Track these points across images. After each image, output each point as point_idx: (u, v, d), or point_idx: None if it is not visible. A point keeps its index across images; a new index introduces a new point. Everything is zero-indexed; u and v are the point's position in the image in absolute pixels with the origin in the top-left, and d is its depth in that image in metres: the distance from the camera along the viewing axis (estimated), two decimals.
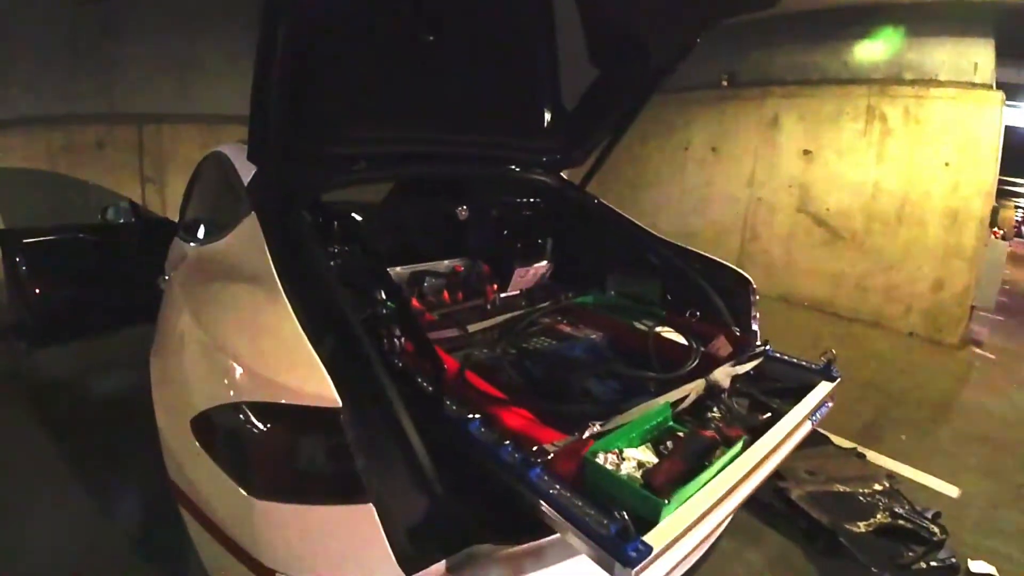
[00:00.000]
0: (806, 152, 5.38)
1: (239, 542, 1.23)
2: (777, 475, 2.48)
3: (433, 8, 2.01)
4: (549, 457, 1.20)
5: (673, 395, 1.51)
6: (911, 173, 4.98)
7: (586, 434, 1.27)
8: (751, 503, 2.09)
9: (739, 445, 1.33)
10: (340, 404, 1.12)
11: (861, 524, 2.36)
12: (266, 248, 1.58)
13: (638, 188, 7.02)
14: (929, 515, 2.42)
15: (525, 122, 2.57)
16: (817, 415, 1.64)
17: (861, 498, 2.51)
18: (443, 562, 1.17)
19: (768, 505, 2.48)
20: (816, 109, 5.32)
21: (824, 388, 1.70)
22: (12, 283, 3.03)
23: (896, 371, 4.23)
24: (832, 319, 5.22)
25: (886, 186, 5.06)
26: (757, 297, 2.21)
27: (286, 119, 1.75)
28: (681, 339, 1.99)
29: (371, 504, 1.12)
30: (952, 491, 2.76)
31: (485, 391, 1.54)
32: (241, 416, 1.19)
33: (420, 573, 1.15)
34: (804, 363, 1.84)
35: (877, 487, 2.57)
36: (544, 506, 1.11)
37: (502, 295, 2.62)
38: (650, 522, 1.06)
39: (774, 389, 1.79)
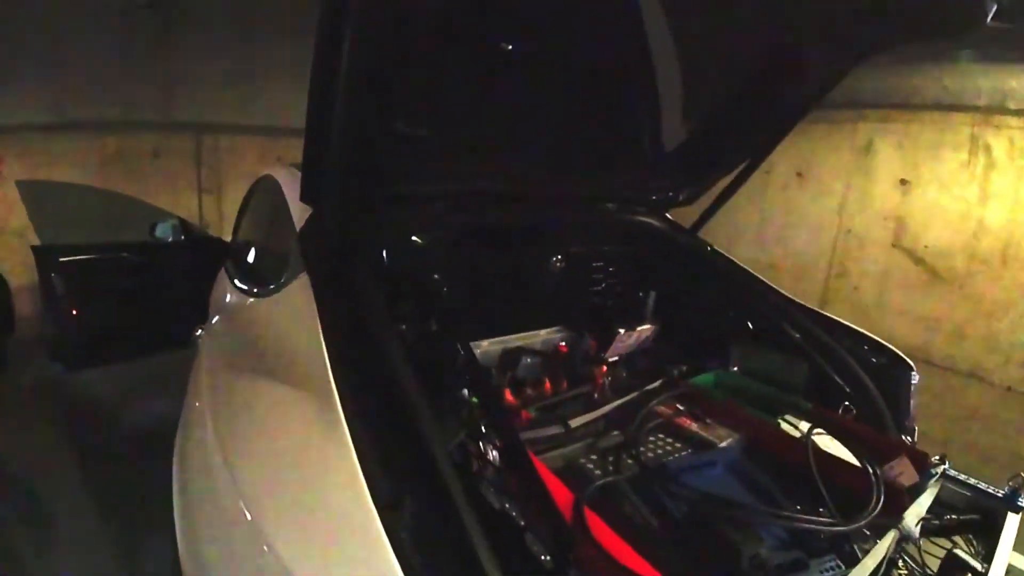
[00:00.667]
0: (903, 182, 5.00)
1: None
2: None
3: (523, 25, 1.72)
4: None
5: (870, 563, 1.18)
6: (1017, 211, 4.59)
7: None
8: None
9: None
10: None
11: None
12: (320, 334, 1.29)
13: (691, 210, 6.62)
14: None
15: (627, 154, 2.28)
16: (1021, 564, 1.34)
17: None
18: None
19: None
20: (915, 136, 4.94)
21: (1012, 523, 1.41)
22: (48, 302, 2.96)
23: (995, 431, 4.00)
24: (925, 368, 4.76)
25: (990, 224, 4.67)
26: (916, 388, 1.87)
27: (350, 149, 1.44)
28: (843, 450, 1.60)
29: None
30: None
31: (618, 557, 1.14)
32: None
33: None
34: (983, 487, 1.53)
35: None
36: None
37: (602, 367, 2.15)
38: None
39: (953, 524, 1.48)
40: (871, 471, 1.47)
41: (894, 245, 5.03)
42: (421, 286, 1.71)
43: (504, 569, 0.94)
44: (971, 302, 4.72)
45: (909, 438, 1.72)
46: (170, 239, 3.33)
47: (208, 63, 5.24)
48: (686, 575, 1.22)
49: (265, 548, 1.02)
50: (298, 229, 1.74)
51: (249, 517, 1.09)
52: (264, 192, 2.30)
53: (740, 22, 1.74)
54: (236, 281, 2.03)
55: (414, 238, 1.90)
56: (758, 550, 1.27)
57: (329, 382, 1.16)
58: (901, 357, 1.87)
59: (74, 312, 2.95)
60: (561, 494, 1.26)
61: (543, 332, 2.31)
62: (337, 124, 1.31)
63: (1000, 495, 1.46)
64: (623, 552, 1.17)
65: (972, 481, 1.54)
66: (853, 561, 1.21)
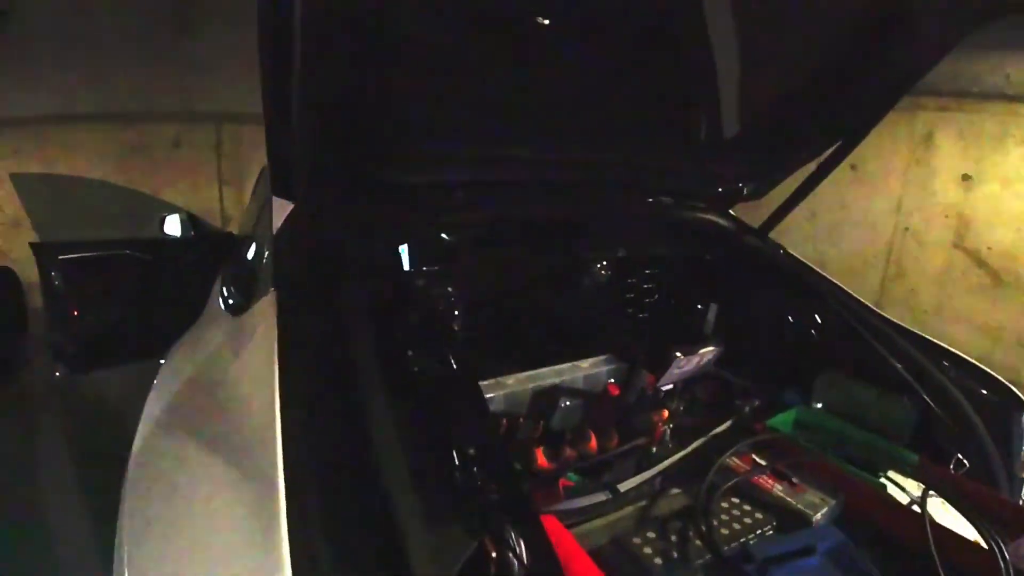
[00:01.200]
0: (965, 177, 4.66)
1: None
2: None
3: None
4: None
5: None
6: None
7: None
8: None
9: None
10: None
11: None
12: (275, 387, 0.92)
13: (759, 207, 6.25)
14: None
15: (686, 134, 1.83)
16: None
17: None
18: None
19: None
20: (977, 127, 4.61)
21: None
22: (48, 302, 2.78)
23: None
24: None
25: None
26: None
27: (321, 126, 1.15)
28: (957, 518, 1.25)
29: None
30: None
31: None
32: None
33: None
34: None
35: None
36: None
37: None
38: None
39: None
40: (997, 551, 1.15)
41: (955, 245, 4.72)
42: (427, 307, 1.38)
43: None
44: None
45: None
46: (179, 235, 3.14)
47: (230, 53, 5.05)
48: None
49: None
50: (274, 230, 1.39)
51: None
52: (259, 185, 2.00)
53: None
54: (222, 287, 1.70)
55: (418, 239, 1.53)
56: None
57: (275, 463, 0.80)
58: (1014, 393, 1.52)
59: (75, 312, 2.77)
60: None
61: (586, 363, 1.76)
62: (297, 85, 0.97)
63: None
64: None
65: None
66: None
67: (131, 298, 2.88)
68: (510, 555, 0.80)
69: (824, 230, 5.63)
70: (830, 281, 1.88)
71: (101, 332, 2.83)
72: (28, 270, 4.14)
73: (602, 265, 1.98)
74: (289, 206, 1.38)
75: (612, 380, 1.73)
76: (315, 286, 1.18)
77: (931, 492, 1.31)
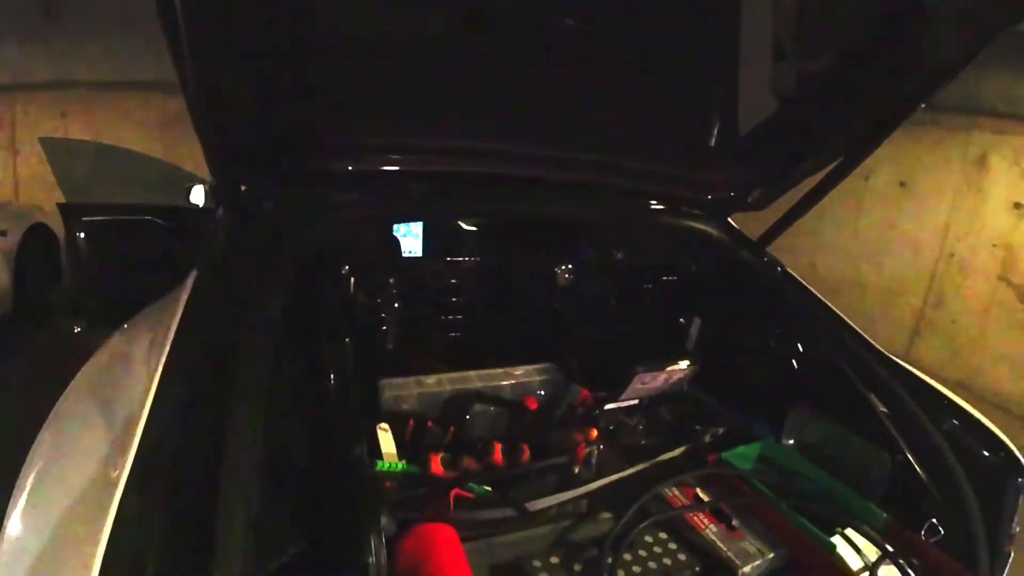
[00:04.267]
0: (1018, 206, 4.53)
1: None
2: None
3: None
4: None
5: None
6: None
7: None
8: None
9: None
10: None
11: None
12: (164, 357, 0.97)
13: (802, 218, 6.11)
14: None
15: (681, 138, 1.73)
16: None
17: None
18: None
19: None
20: None
21: None
22: (71, 260, 2.90)
23: None
24: (1017, 423, 4.34)
25: None
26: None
27: (247, 104, 1.13)
28: None
29: None
30: None
31: None
32: None
33: None
34: None
35: None
36: None
37: (608, 406, 1.67)
38: None
39: None
40: None
41: (1000, 278, 4.62)
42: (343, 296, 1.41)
43: None
44: None
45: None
46: (202, 205, 3.21)
47: None
48: None
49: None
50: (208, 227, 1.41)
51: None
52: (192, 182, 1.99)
53: None
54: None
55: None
56: None
57: (138, 408, 0.87)
58: (1016, 457, 1.33)
59: (96, 272, 2.86)
60: None
61: (519, 371, 1.67)
62: (191, 62, 0.92)
63: None
64: None
65: None
66: None
67: (150, 262, 2.96)
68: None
69: (867, 248, 5.57)
70: (830, 309, 1.69)
71: (120, 292, 2.92)
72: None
73: (565, 269, 1.91)
74: (217, 192, 1.42)
75: (540, 392, 1.65)
76: (224, 266, 1.20)
77: (887, 560, 1.21)
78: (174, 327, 1.04)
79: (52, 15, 5.45)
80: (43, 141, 5.37)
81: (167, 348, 0.98)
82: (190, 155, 5.63)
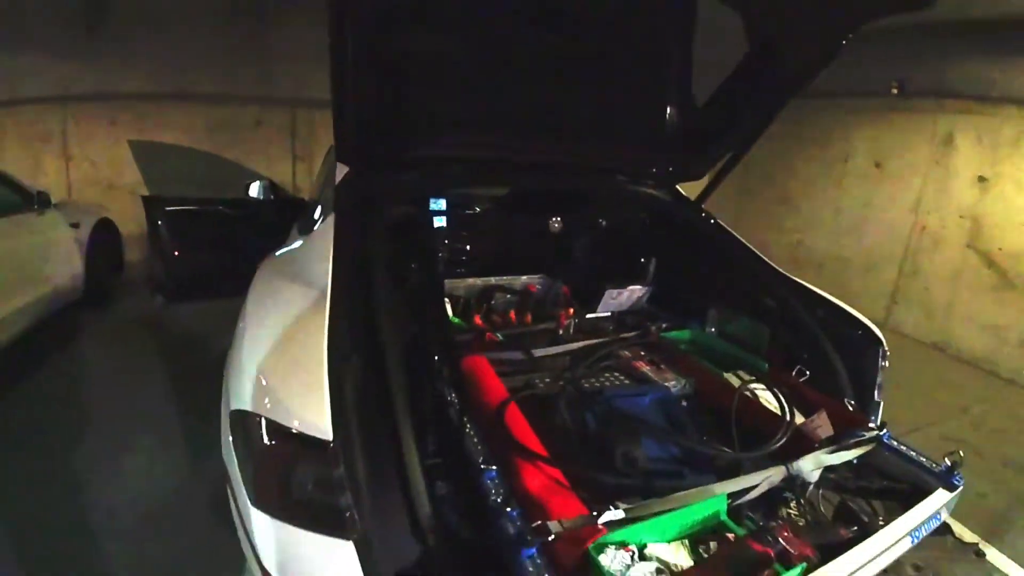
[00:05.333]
0: (981, 179, 5.00)
1: (250, 538, 1.30)
2: None
3: (553, 4, 1.94)
4: (550, 539, 1.12)
5: (733, 484, 1.37)
6: None
7: (603, 519, 1.16)
8: None
9: (798, 571, 1.17)
10: (331, 438, 1.14)
11: None
12: (331, 255, 1.61)
13: (788, 199, 6.95)
14: None
15: (640, 130, 2.46)
16: (922, 531, 1.45)
17: None
18: None
19: None
20: (995, 130, 4.95)
21: (940, 498, 1.50)
22: (154, 244, 3.48)
23: None
24: (988, 379, 4.86)
25: None
26: (887, 363, 1.94)
27: (366, 119, 1.82)
28: (775, 403, 1.77)
29: (352, 542, 1.13)
30: None
31: (519, 438, 1.51)
32: (254, 425, 1.25)
33: None
34: (923, 460, 1.64)
35: None
36: None
37: (589, 315, 2.57)
38: None
39: (878, 489, 1.62)
40: (784, 416, 1.65)
41: (968, 245, 5.09)
42: (425, 231, 2.26)
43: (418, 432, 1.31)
44: None
45: (870, 417, 1.80)
46: (260, 197, 3.79)
47: (303, 44, 5.75)
48: (566, 457, 1.50)
49: (251, 356, 1.40)
50: (336, 183, 2.11)
51: (243, 345, 1.48)
52: (328, 157, 2.70)
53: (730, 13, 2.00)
54: (296, 228, 2.42)
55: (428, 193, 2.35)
56: (632, 451, 1.54)
57: (327, 277, 1.51)
58: (873, 332, 1.96)
59: (176, 254, 3.44)
60: (499, 392, 1.72)
61: (524, 277, 2.78)
62: (351, 99, 1.66)
63: (936, 470, 1.57)
64: (524, 437, 1.51)
65: (911, 453, 1.65)
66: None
67: (219, 246, 3.52)
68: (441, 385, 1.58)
69: (848, 225, 6.11)
70: (744, 244, 2.40)
71: (194, 272, 3.50)
72: (122, 223, 4.96)
73: (556, 220, 2.76)
74: (345, 168, 2.13)
75: (538, 286, 2.75)
76: (357, 217, 1.87)
77: (759, 385, 1.87)
78: (331, 237, 1.71)
79: (94, 31, 6.03)
80: (131, 143, 6.11)
81: (331, 249, 1.63)
82: (235, 159, 6.38)
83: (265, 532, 1.22)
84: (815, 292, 2.15)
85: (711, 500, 1.27)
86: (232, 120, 6.41)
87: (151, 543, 2.26)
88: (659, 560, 1.14)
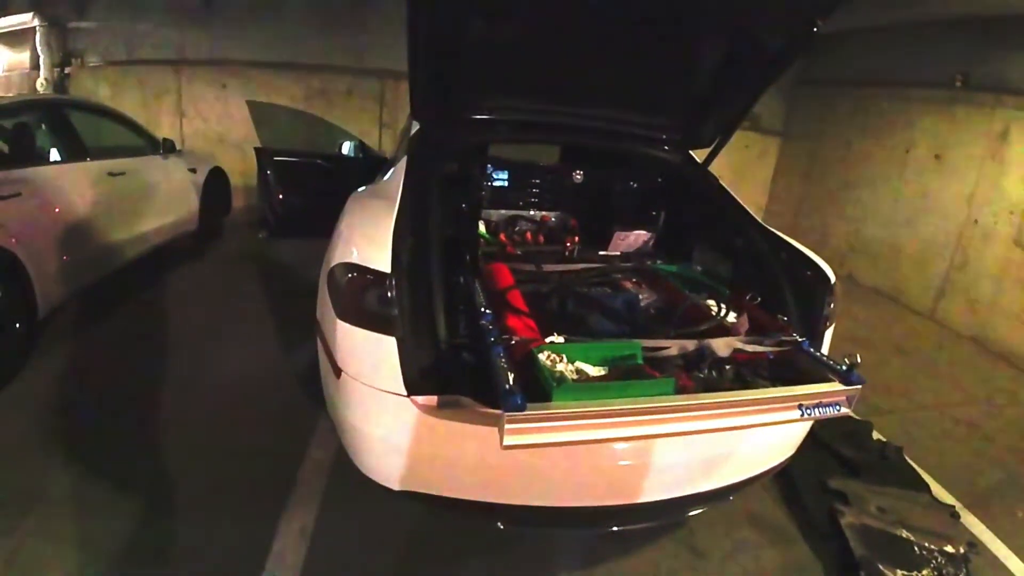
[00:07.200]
0: None
1: (330, 349, 1.96)
2: (843, 499, 2.69)
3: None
4: (512, 343, 1.82)
5: (648, 341, 1.99)
6: None
7: (548, 339, 1.89)
8: (800, 513, 2.67)
9: (667, 383, 1.69)
10: (390, 271, 1.79)
11: (898, 571, 2.32)
12: (403, 180, 2.28)
13: (849, 187, 7.17)
14: None
15: (658, 102, 2.97)
16: (815, 411, 1.80)
17: (918, 549, 2.44)
18: (435, 397, 1.77)
19: (816, 522, 2.60)
20: None
21: (830, 387, 1.85)
22: (263, 188, 4.30)
23: None
24: (1020, 375, 4.91)
25: None
26: (833, 296, 2.35)
27: (433, 89, 2.45)
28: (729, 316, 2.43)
29: (395, 338, 1.77)
30: None
31: (513, 304, 2.27)
32: (342, 269, 1.90)
33: (418, 397, 1.77)
34: (831, 362, 1.99)
35: (948, 548, 2.45)
36: (491, 367, 1.64)
37: (601, 252, 3.30)
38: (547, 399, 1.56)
39: (787, 379, 2.00)
40: (713, 314, 2.39)
41: (1016, 242, 5.22)
42: (474, 172, 2.89)
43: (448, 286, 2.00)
44: None
45: (818, 335, 2.29)
46: (352, 155, 4.56)
47: (391, 20, 6.54)
48: (543, 320, 2.16)
49: (345, 233, 2.07)
50: (411, 135, 2.82)
51: (340, 231, 2.12)
52: (407, 122, 3.42)
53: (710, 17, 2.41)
54: (379, 175, 3.04)
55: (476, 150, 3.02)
56: (588, 320, 2.34)
57: (398, 191, 2.17)
58: (825, 273, 2.38)
59: (280, 196, 4.22)
60: (506, 280, 2.45)
61: (543, 212, 3.63)
62: (424, 71, 2.25)
63: (839, 369, 1.92)
64: (516, 303, 2.23)
65: (824, 358, 2.04)
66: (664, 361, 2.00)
67: (316, 193, 4.27)
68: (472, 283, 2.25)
69: (905, 215, 6.32)
70: (736, 201, 2.88)
71: (293, 213, 4.27)
72: (230, 174, 5.91)
73: (578, 173, 3.58)
74: (417, 125, 2.80)
75: (552, 218, 3.60)
76: (424, 159, 2.50)
77: (711, 301, 2.56)
78: (404, 171, 2.38)
79: (209, 4, 6.99)
80: (249, 103, 7.13)
81: (403, 178, 2.31)
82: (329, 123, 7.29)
83: (343, 335, 1.86)
84: (782, 239, 2.59)
85: (627, 344, 1.88)
86: (328, 88, 7.29)
87: (244, 399, 3.07)
88: (579, 371, 1.74)
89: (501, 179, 3.54)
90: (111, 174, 3.97)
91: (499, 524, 1.99)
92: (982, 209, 5.52)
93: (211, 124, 7.31)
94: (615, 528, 2.19)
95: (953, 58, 5.77)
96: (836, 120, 7.43)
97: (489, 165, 3.45)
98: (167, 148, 4.86)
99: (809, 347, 2.10)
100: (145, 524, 2.23)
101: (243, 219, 6.39)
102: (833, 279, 2.37)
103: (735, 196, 2.85)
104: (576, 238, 3.23)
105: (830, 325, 2.33)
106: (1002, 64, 5.35)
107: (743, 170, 8.45)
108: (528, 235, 3.36)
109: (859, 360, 1.88)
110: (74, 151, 3.85)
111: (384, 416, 1.83)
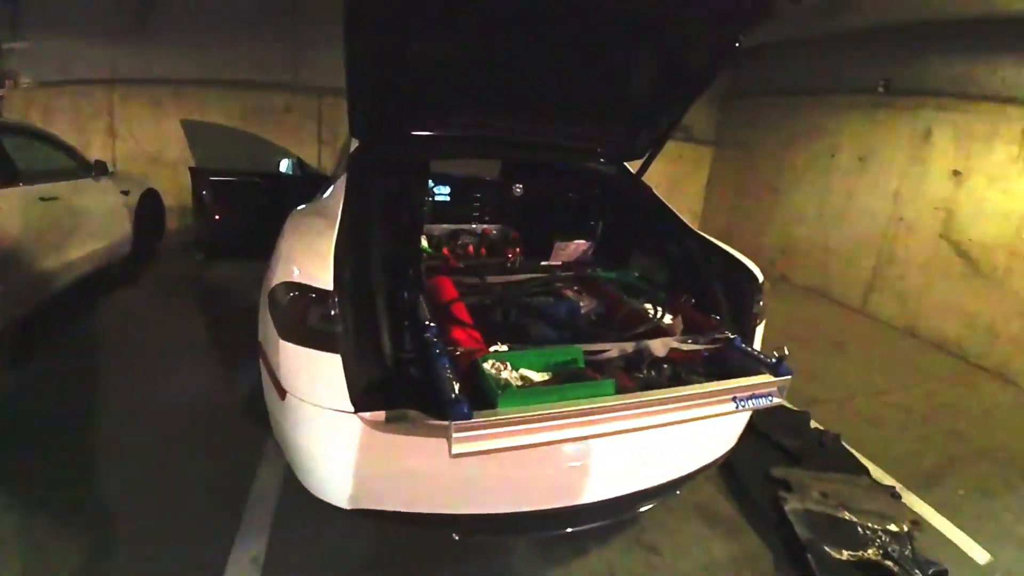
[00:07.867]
0: (956, 173, 5.44)
1: (274, 370, 1.94)
2: (785, 486, 2.80)
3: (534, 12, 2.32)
4: (457, 353, 1.88)
5: (589, 346, 2.07)
6: None
7: (491, 348, 1.93)
8: (747, 504, 2.77)
9: (608, 385, 1.76)
10: (332, 288, 1.80)
11: (844, 552, 2.42)
12: (343, 197, 2.26)
13: (779, 192, 7.48)
14: (930, 571, 2.37)
15: (595, 116, 3.06)
16: (749, 403, 1.92)
17: (861, 529, 2.55)
18: (383, 412, 1.77)
19: (763, 511, 2.70)
20: (970, 127, 5.37)
21: (761, 379, 1.98)
22: (198, 209, 4.21)
23: (995, 426, 4.06)
24: (954, 362, 5.26)
25: None
26: (762, 294, 2.50)
27: (371, 106, 2.46)
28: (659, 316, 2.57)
29: (339, 356, 1.77)
30: (982, 557, 2.66)
31: (457, 316, 2.30)
32: (284, 289, 1.88)
33: (365, 413, 1.77)
34: (761, 356, 2.13)
35: (891, 527, 2.57)
36: (437, 378, 1.70)
37: (543, 263, 3.42)
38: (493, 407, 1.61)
39: (720, 373, 2.12)
40: (650, 317, 2.48)
41: (941, 236, 5.52)
42: (415, 188, 2.94)
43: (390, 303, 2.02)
44: (1008, 301, 5.02)
45: (748, 332, 2.42)
46: (291, 173, 4.53)
47: (329, 37, 6.40)
48: (487, 331, 2.19)
49: (285, 253, 2.03)
50: (350, 152, 2.79)
51: (279, 251, 2.09)
52: (348, 138, 3.42)
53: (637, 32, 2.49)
54: (319, 193, 3.05)
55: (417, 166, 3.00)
56: (529, 327, 2.49)
57: (338, 208, 2.14)
58: (753, 273, 2.54)
59: (216, 217, 4.17)
60: (450, 294, 2.46)
61: (485, 225, 3.67)
62: (361, 85, 2.26)
63: (768, 362, 2.06)
64: (460, 316, 2.25)
65: (754, 352, 2.17)
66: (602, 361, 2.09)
67: (254, 213, 4.25)
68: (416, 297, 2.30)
69: (834, 216, 6.64)
70: (668, 208, 3.02)
71: (230, 234, 4.22)
72: (163, 195, 5.81)
73: (517, 187, 3.64)
74: (357, 142, 2.78)
75: (493, 231, 3.61)
76: (364, 176, 2.49)
77: (648, 305, 2.62)
78: (344, 188, 2.35)
79: (143, 22, 6.80)
80: (183, 123, 7.02)
81: (343, 195, 2.27)
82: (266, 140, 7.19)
83: (286, 355, 1.84)
84: (713, 243, 2.75)
85: (569, 350, 1.94)
86: (265, 106, 7.23)
87: (186, 427, 3.01)
88: (524, 377, 1.79)
89: (443, 194, 3.57)
90: (42, 199, 3.83)
91: (454, 535, 2.01)
92: (907, 207, 5.82)
93: (144, 144, 7.13)
94: (569, 530, 2.24)
95: (875, 65, 6.08)
96: (765, 128, 7.76)
97: (430, 180, 3.43)
98: (99, 170, 4.68)
99: (741, 343, 2.23)
100: (91, 558, 2.17)
101: (178, 241, 6.23)
102: (761, 278, 2.53)
103: (668, 204, 3.00)
104: (518, 249, 3.37)
105: (760, 322, 2.47)
106: (922, 68, 5.67)
107: (679, 179, 8.73)
108: (471, 248, 3.42)
109: (787, 352, 2.03)
110: (4, 174, 3.67)
111: (331, 435, 1.84)
